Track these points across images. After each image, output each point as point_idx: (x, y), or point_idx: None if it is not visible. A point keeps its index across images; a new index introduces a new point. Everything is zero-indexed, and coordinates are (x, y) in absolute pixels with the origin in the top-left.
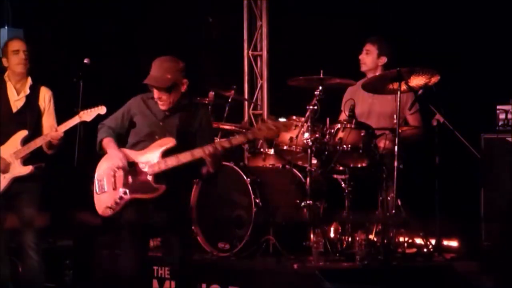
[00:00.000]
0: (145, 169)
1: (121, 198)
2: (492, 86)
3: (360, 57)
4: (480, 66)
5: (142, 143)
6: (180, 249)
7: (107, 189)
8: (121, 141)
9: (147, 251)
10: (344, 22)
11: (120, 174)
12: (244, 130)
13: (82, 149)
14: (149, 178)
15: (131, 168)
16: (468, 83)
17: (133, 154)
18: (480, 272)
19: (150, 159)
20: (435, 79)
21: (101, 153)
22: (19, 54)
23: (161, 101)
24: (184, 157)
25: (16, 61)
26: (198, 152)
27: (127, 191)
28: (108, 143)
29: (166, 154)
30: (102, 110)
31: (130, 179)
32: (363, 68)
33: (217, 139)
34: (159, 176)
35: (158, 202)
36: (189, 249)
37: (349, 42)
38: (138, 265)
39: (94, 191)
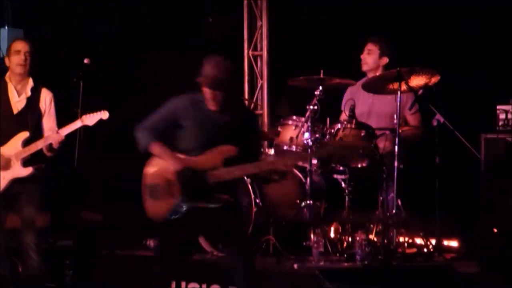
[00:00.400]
0: (205, 177)
1: (180, 206)
2: (492, 86)
3: (362, 56)
4: (480, 66)
5: (197, 149)
6: (243, 257)
7: (161, 196)
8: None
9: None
10: (344, 22)
11: (176, 181)
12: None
13: (82, 150)
14: (211, 187)
15: (190, 175)
16: (468, 83)
17: (192, 160)
18: (481, 272)
19: (210, 166)
20: (435, 79)
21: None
22: (20, 54)
23: (214, 101)
24: (249, 169)
25: (16, 61)
26: (266, 166)
27: (187, 199)
28: (160, 148)
29: (227, 162)
30: (104, 115)
31: (188, 186)
32: (365, 67)
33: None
34: (221, 186)
35: (220, 211)
36: (251, 254)
37: (349, 42)
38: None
39: (146, 196)
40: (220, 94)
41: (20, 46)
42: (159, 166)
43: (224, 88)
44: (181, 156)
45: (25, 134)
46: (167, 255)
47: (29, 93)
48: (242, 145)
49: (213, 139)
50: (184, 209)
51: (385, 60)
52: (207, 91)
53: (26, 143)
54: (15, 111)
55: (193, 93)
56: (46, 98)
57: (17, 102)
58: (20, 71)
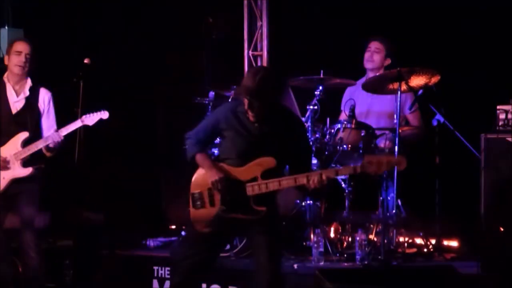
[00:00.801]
0: (244, 189)
1: (219, 216)
2: (492, 86)
3: (368, 54)
4: (480, 66)
5: (237, 160)
6: (272, 270)
7: (205, 206)
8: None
9: (213, 260)
10: (344, 22)
11: (218, 191)
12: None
13: (82, 150)
14: (249, 199)
15: (230, 185)
16: (468, 83)
17: (232, 171)
18: (481, 272)
19: (249, 178)
20: (435, 79)
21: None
22: (20, 56)
23: (253, 112)
24: (287, 183)
25: (15, 62)
26: (301, 179)
27: (226, 209)
28: (204, 159)
29: (265, 174)
30: (104, 115)
31: (228, 197)
32: (369, 65)
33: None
34: (259, 198)
35: (258, 224)
36: (280, 268)
37: (349, 42)
38: (192, 273)
39: (191, 206)
40: (258, 105)
41: (22, 47)
42: (202, 176)
43: (263, 99)
44: (223, 165)
45: (24, 134)
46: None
47: (27, 93)
48: (283, 157)
49: (252, 150)
50: (222, 218)
51: (389, 61)
52: (245, 101)
53: (26, 143)
54: (14, 111)
55: (236, 102)
56: (44, 97)
57: (16, 102)
58: (18, 71)
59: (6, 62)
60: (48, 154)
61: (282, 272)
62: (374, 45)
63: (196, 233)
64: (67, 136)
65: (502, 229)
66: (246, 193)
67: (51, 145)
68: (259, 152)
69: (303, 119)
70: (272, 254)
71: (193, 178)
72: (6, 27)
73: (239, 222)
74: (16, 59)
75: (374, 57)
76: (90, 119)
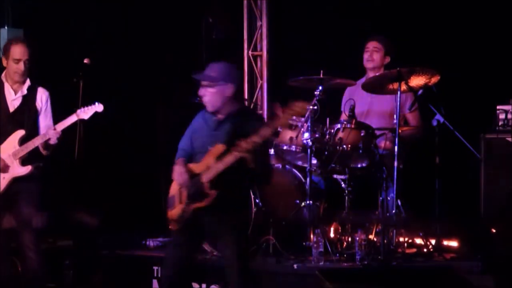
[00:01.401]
0: (200, 179)
1: (184, 210)
2: (492, 86)
3: (367, 53)
4: (480, 66)
5: (199, 155)
6: (235, 256)
7: (175, 205)
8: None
9: (192, 260)
10: (344, 22)
11: (184, 188)
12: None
13: (81, 150)
14: (204, 185)
15: (193, 180)
16: (468, 83)
17: (194, 167)
18: (481, 272)
19: (206, 168)
20: (435, 79)
21: None
22: (19, 64)
23: (204, 97)
24: (228, 160)
25: (14, 69)
26: (236, 152)
27: (188, 201)
28: (176, 163)
29: (218, 160)
30: (99, 107)
31: (191, 191)
32: (370, 64)
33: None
34: (213, 182)
35: (213, 208)
36: (244, 256)
37: (349, 42)
38: (176, 266)
39: (168, 208)
40: (208, 92)
41: (20, 54)
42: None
43: (211, 86)
44: (190, 165)
45: (21, 132)
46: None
47: (25, 92)
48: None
49: (209, 143)
50: (185, 211)
51: (388, 59)
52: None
53: (23, 141)
54: (11, 109)
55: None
56: (42, 96)
57: (13, 100)
58: (18, 78)
59: (4, 63)
60: (44, 152)
61: (249, 266)
62: (372, 45)
63: (172, 233)
64: (66, 135)
65: (494, 231)
66: (202, 182)
67: (51, 142)
68: (216, 141)
69: (303, 118)
70: (238, 252)
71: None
72: (6, 27)
73: (202, 214)
74: (15, 67)
75: (373, 56)
76: (85, 112)
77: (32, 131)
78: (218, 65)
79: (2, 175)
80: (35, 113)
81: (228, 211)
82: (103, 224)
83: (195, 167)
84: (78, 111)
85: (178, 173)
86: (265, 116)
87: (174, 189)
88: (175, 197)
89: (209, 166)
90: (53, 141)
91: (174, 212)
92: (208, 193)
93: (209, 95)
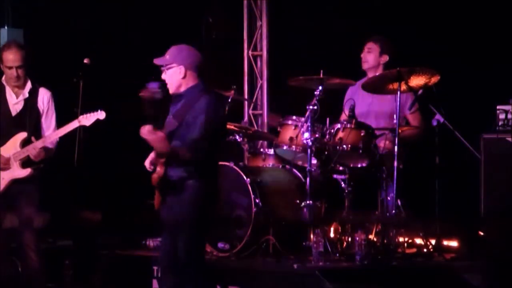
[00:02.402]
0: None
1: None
2: (492, 86)
3: (362, 55)
4: (480, 66)
5: None
6: (183, 248)
7: None
8: None
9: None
10: (344, 22)
11: None
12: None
13: (81, 150)
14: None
15: None
16: (468, 83)
17: None
18: (481, 272)
19: None
20: (435, 79)
21: None
22: (12, 70)
23: (165, 80)
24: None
25: (8, 75)
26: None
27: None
28: None
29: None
30: (101, 115)
31: None
32: (365, 66)
33: None
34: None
35: (168, 192)
36: (185, 252)
37: (349, 42)
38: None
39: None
40: (166, 75)
41: (11, 61)
42: None
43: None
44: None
45: (23, 135)
46: None
47: (26, 95)
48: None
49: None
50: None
51: (385, 58)
52: None
53: (24, 143)
54: (13, 113)
55: None
56: (44, 98)
57: (15, 104)
58: (14, 83)
59: (2, 68)
60: (36, 159)
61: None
62: (366, 46)
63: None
64: (66, 135)
65: (481, 233)
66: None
67: (49, 146)
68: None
69: (303, 119)
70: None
71: None
72: (6, 27)
73: (165, 198)
74: (8, 73)
75: (367, 57)
76: (87, 119)
77: (34, 133)
78: (172, 48)
79: (2, 175)
80: (37, 115)
81: (180, 194)
82: (103, 224)
83: None
84: (80, 117)
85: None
86: (265, 116)
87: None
88: None
89: None
90: (53, 145)
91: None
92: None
93: (166, 78)
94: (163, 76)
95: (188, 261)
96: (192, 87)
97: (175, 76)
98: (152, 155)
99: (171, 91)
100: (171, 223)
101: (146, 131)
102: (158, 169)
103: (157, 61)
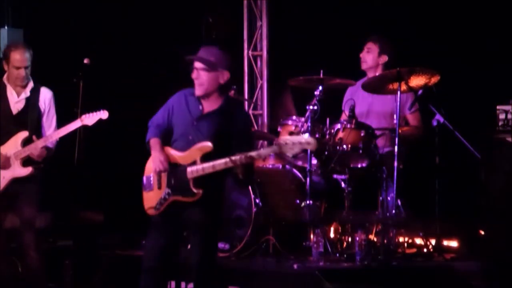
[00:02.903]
0: (185, 172)
1: (165, 199)
2: (492, 86)
3: (361, 55)
4: (480, 66)
5: (178, 142)
6: (200, 251)
7: (153, 188)
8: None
9: (172, 249)
10: (344, 21)
11: (164, 174)
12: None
13: (82, 150)
14: (189, 181)
15: (177, 172)
16: (468, 83)
17: (176, 155)
18: (481, 272)
19: (190, 162)
20: (435, 79)
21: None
22: (20, 71)
23: (198, 80)
24: (219, 165)
25: (15, 75)
26: (230, 162)
27: (170, 192)
28: (153, 145)
29: (204, 158)
30: (104, 114)
31: (175, 183)
32: (364, 66)
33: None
34: (198, 180)
35: (195, 205)
36: (210, 252)
37: (349, 42)
38: (157, 257)
39: (143, 189)
40: (205, 75)
41: (20, 61)
42: (151, 162)
43: (209, 69)
44: (170, 150)
45: (24, 134)
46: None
47: (28, 94)
48: (222, 141)
49: (192, 131)
50: (167, 200)
51: (384, 58)
52: (194, 71)
53: (25, 142)
54: (14, 112)
55: (192, 88)
56: (45, 97)
57: (17, 102)
58: (19, 83)
59: (5, 67)
60: (38, 159)
61: (213, 264)
62: (366, 46)
63: (152, 220)
64: (67, 135)
65: (481, 233)
66: (187, 176)
67: (49, 145)
68: (199, 134)
69: (303, 119)
70: (204, 252)
71: (147, 162)
72: (6, 27)
73: (180, 207)
74: (16, 73)
75: (366, 57)
76: (90, 119)
77: (35, 132)
78: (216, 50)
79: (2, 174)
80: (39, 115)
81: (206, 208)
82: (103, 224)
83: (178, 157)
84: (83, 116)
85: (159, 160)
86: (265, 116)
87: (149, 169)
88: (153, 179)
89: (196, 163)
90: (53, 144)
91: (152, 196)
92: (193, 191)
93: (205, 80)
94: (195, 75)
95: (205, 263)
96: (225, 100)
97: (216, 80)
98: (165, 155)
99: (201, 93)
100: (189, 226)
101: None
102: (193, 182)
103: (201, 60)
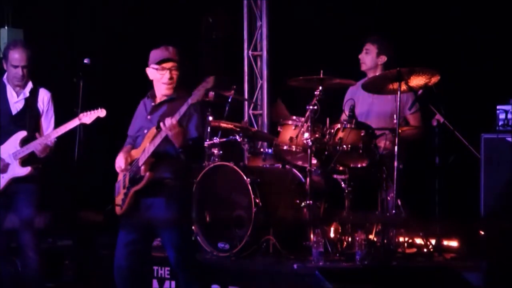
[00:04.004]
0: (138, 162)
1: (125, 194)
2: (492, 86)
3: (360, 56)
4: (480, 66)
5: (139, 139)
6: (175, 248)
7: (120, 190)
8: None
9: (143, 246)
10: (344, 22)
11: (127, 174)
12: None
13: (81, 149)
14: (142, 169)
15: (132, 165)
16: (468, 83)
17: (134, 152)
18: (481, 272)
19: (142, 151)
20: (435, 79)
21: None
22: (18, 69)
23: (171, 79)
24: (157, 139)
25: (13, 74)
26: (159, 132)
27: (129, 185)
28: (122, 150)
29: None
30: (102, 113)
31: (131, 175)
32: (363, 67)
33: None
34: (147, 165)
35: (149, 191)
36: (186, 246)
37: (349, 42)
38: (127, 260)
39: (115, 195)
40: (175, 73)
41: (17, 60)
42: None
43: (178, 67)
44: (133, 151)
45: (23, 134)
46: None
47: (27, 94)
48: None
49: (146, 126)
50: (127, 196)
51: (383, 58)
52: (167, 73)
53: (24, 142)
54: (14, 112)
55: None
56: (44, 98)
57: (16, 103)
58: (17, 83)
59: (4, 66)
60: (42, 155)
61: (191, 261)
62: (364, 47)
63: (120, 220)
64: (67, 135)
65: (481, 233)
66: (139, 164)
67: (49, 144)
68: (151, 125)
69: (303, 119)
70: (177, 250)
71: None
72: (6, 27)
73: (142, 197)
74: (13, 72)
75: (364, 58)
76: (88, 117)
77: (34, 132)
78: (175, 49)
79: (2, 174)
80: (37, 115)
81: (164, 195)
82: (103, 224)
83: (134, 152)
84: (81, 115)
85: (118, 160)
86: (265, 116)
87: (120, 175)
88: (120, 183)
89: (144, 149)
90: (52, 143)
91: (118, 197)
92: (142, 175)
93: (176, 77)
94: (173, 74)
95: (184, 260)
96: (177, 90)
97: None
98: (126, 156)
99: (171, 91)
100: (157, 223)
101: (171, 124)
102: (143, 168)
103: (171, 59)
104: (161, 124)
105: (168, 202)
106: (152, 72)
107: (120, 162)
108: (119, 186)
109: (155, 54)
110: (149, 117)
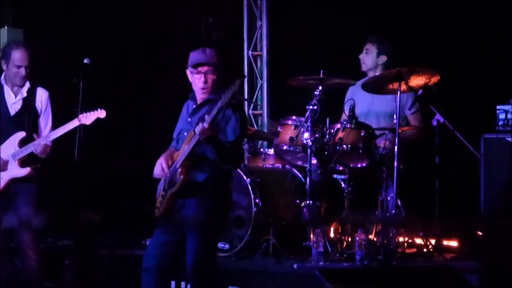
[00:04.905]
0: (177, 165)
1: (163, 196)
2: (492, 86)
3: (360, 56)
4: (480, 66)
5: (180, 142)
6: (195, 250)
7: (160, 192)
8: None
9: (175, 249)
10: (344, 22)
11: (167, 177)
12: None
13: (81, 150)
14: (178, 172)
15: (171, 169)
16: (468, 83)
17: (176, 155)
18: (481, 272)
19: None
20: (435, 79)
21: None
22: (21, 69)
23: (205, 83)
24: (192, 142)
25: (15, 74)
26: (195, 136)
27: (167, 188)
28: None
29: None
30: (101, 114)
31: (169, 178)
32: (363, 67)
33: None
34: (183, 168)
35: (183, 194)
36: (206, 250)
37: (349, 42)
38: (158, 259)
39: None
40: (212, 76)
41: (21, 60)
42: None
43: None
44: (171, 152)
45: (22, 134)
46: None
47: (25, 94)
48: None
49: (186, 128)
50: (164, 198)
51: (383, 58)
52: (201, 76)
53: (23, 143)
54: (12, 113)
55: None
56: (42, 97)
57: (14, 104)
58: (18, 82)
59: (3, 66)
60: (42, 155)
61: (210, 263)
62: (364, 47)
63: (156, 221)
64: (66, 135)
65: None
66: (176, 167)
67: (48, 143)
68: (190, 127)
69: (303, 119)
70: (198, 251)
71: None
72: (6, 27)
73: (181, 205)
74: (15, 71)
75: (364, 59)
76: (87, 118)
77: (33, 132)
78: (213, 51)
79: (1, 175)
80: (35, 115)
81: (203, 204)
82: (103, 224)
83: (176, 155)
84: (80, 116)
85: (157, 164)
86: (265, 116)
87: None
88: (161, 185)
89: (182, 152)
90: (48, 146)
91: (158, 199)
92: (177, 179)
93: (211, 81)
94: (206, 79)
95: (204, 263)
96: (216, 92)
97: (217, 79)
98: (167, 159)
99: (207, 95)
100: (186, 222)
101: (202, 128)
102: (180, 171)
103: (210, 64)
104: (195, 128)
105: (199, 203)
106: (189, 74)
107: (162, 164)
108: (160, 188)
109: (192, 56)
110: (189, 119)
